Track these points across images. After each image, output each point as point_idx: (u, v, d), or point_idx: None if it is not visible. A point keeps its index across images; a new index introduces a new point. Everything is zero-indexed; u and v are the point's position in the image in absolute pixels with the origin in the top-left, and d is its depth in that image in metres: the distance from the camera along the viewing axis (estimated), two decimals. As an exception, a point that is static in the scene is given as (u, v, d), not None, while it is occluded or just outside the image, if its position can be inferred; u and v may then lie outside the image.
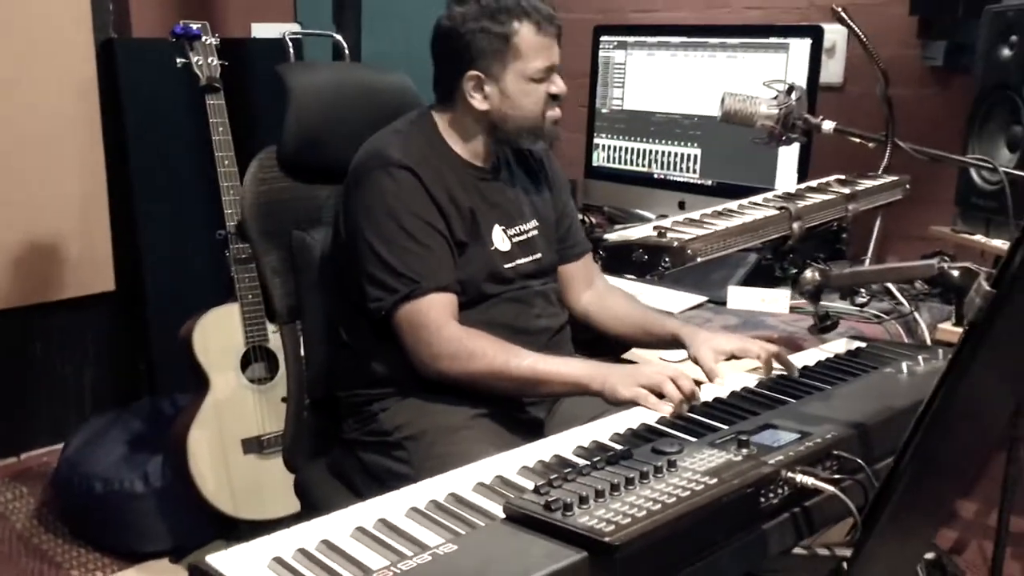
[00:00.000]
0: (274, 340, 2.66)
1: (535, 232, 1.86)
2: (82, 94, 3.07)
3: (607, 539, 0.96)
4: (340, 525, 1.09)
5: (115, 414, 2.92)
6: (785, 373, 1.59)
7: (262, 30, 3.48)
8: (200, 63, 2.65)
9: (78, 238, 3.12)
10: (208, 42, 2.66)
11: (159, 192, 3.11)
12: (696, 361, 1.69)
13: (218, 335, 2.61)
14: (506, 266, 1.79)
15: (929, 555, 2.47)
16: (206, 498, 2.56)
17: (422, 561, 0.97)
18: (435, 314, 1.67)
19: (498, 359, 1.63)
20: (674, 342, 1.79)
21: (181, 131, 3.06)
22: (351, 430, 1.80)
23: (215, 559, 1.00)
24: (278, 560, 1.01)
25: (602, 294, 1.97)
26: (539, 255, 1.85)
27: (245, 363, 2.65)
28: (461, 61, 1.73)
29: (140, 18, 3.26)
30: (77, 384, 3.27)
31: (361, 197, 1.71)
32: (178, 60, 2.66)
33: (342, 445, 1.83)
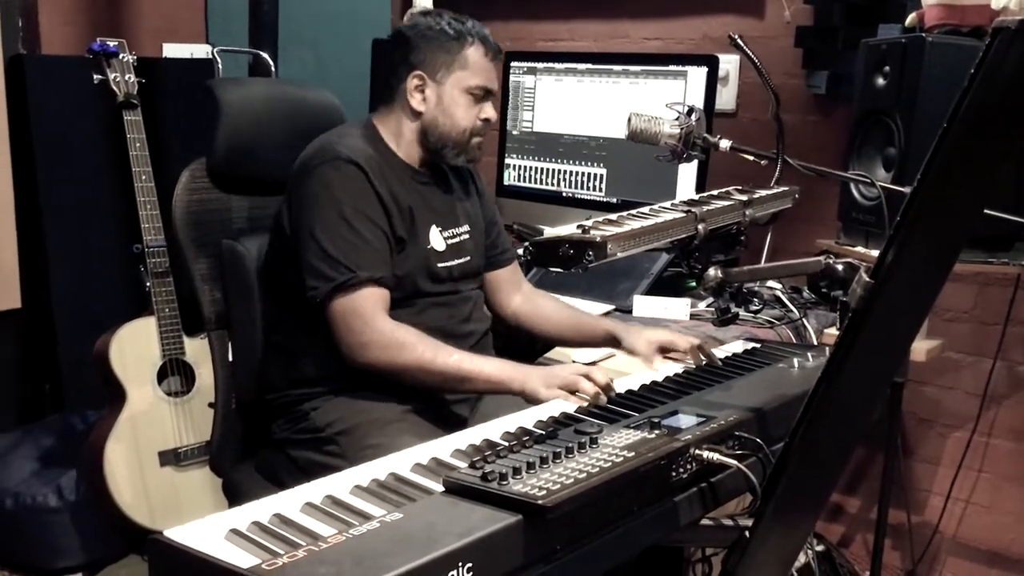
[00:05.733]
0: (190, 353, 2.69)
1: (467, 236, 1.97)
2: (-12, 109, 3.04)
3: (540, 502, 1.07)
4: (289, 502, 1.17)
5: (24, 430, 2.88)
6: (706, 363, 1.74)
7: (173, 50, 3.50)
8: (117, 80, 2.68)
9: (-17, 255, 3.08)
10: (125, 59, 2.70)
11: (67, 208, 3.07)
12: (632, 352, 1.84)
13: (135, 348, 2.62)
14: (440, 265, 1.89)
15: (819, 548, 2.66)
16: (123, 511, 2.56)
17: (371, 527, 1.05)
18: (368, 304, 1.74)
19: (427, 353, 1.72)
20: (608, 339, 1.94)
21: (91, 148, 3.05)
22: (281, 430, 1.86)
23: (174, 533, 1.06)
24: (235, 531, 1.08)
25: (530, 297, 2.10)
26: (468, 258, 1.96)
27: (161, 376, 2.67)
28: (411, 61, 1.86)
29: (49, 36, 3.25)
30: (-19, 403, 3.20)
31: (307, 189, 1.79)
32: (95, 76, 2.69)
33: (272, 445, 1.88)
